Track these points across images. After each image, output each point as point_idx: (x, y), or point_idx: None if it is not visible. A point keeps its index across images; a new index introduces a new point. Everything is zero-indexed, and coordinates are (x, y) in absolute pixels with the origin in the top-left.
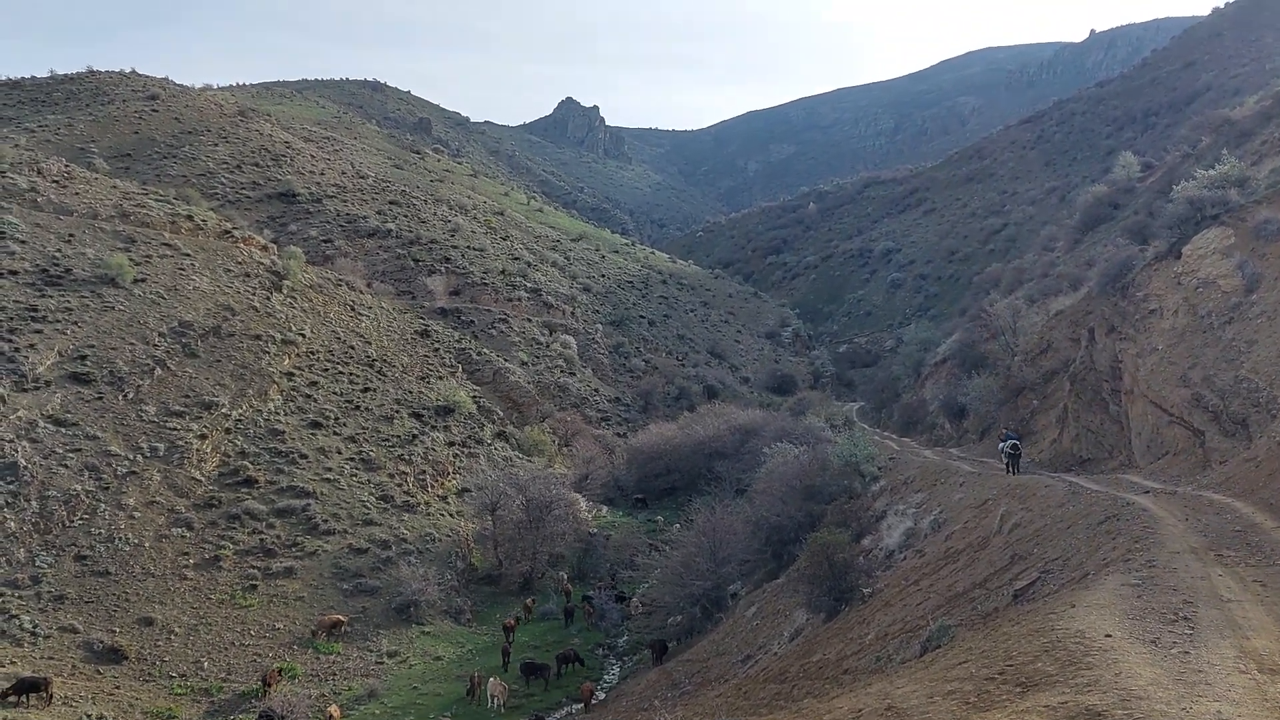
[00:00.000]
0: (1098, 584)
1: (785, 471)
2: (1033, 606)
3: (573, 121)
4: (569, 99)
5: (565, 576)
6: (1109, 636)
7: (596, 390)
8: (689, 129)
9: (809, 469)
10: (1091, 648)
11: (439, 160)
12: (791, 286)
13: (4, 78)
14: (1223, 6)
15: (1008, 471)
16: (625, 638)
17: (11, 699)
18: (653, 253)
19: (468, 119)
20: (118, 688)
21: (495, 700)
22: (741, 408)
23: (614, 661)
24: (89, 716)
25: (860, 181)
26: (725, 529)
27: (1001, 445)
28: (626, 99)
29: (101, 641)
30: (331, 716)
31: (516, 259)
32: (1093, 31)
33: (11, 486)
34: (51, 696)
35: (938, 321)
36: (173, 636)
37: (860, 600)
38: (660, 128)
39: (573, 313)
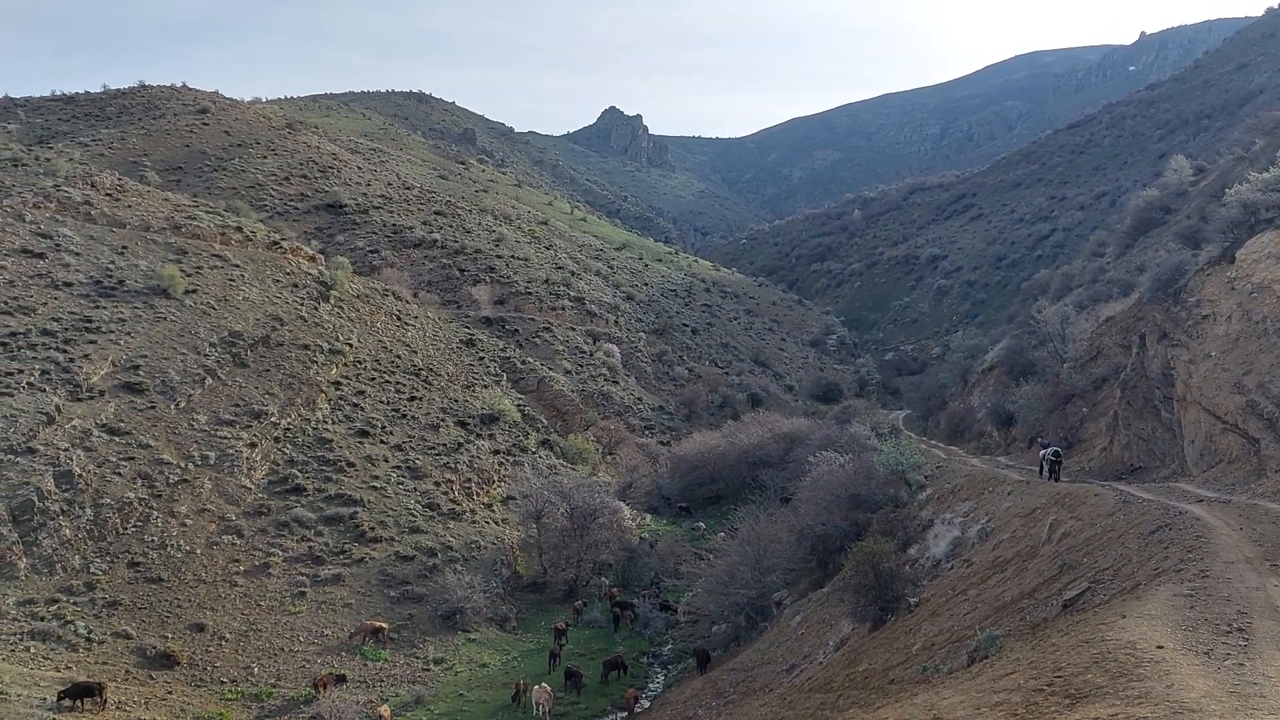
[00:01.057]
0: (1149, 594)
1: (830, 480)
2: (1082, 617)
3: (616, 130)
4: (612, 108)
5: (608, 583)
6: (1161, 648)
7: (640, 399)
8: (732, 136)
9: (854, 477)
10: (1143, 659)
11: (483, 170)
12: (836, 294)
13: (59, 93)
14: (1277, 6)
15: (1045, 478)
16: (670, 646)
17: (66, 703)
18: (696, 261)
19: (512, 129)
20: (170, 693)
21: (541, 707)
22: (786, 416)
23: (659, 669)
24: None
25: (905, 187)
26: (770, 537)
27: (1043, 452)
28: (669, 107)
29: (154, 647)
30: (382, 717)
31: (560, 268)
32: (1143, 34)
33: (67, 494)
34: (105, 701)
35: (985, 328)
36: (223, 642)
37: (906, 610)
38: (703, 135)
39: (616, 321)
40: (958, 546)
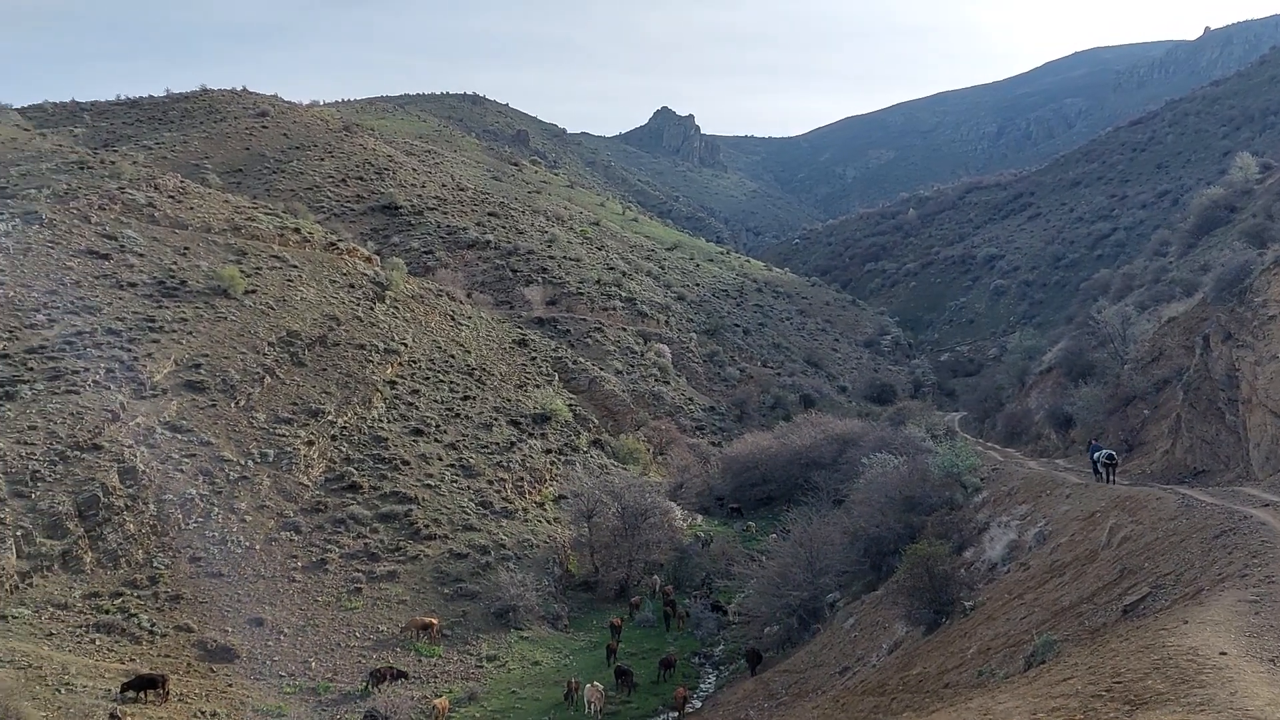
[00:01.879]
0: (1212, 600)
1: (884, 482)
2: (1143, 622)
3: (668, 131)
4: (664, 108)
5: (660, 581)
6: (1224, 654)
7: (691, 399)
8: (785, 136)
9: (909, 479)
10: (1205, 665)
11: (536, 172)
12: (891, 294)
13: (123, 97)
14: None
15: (1099, 480)
16: (721, 646)
17: (130, 694)
18: (748, 261)
19: (564, 130)
20: (230, 685)
21: (593, 706)
22: (839, 417)
23: (710, 670)
24: (203, 713)
25: (962, 186)
26: (822, 539)
27: (1095, 455)
28: (722, 107)
29: (215, 640)
30: (439, 709)
31: (612, 268)
32: (1207, 29)
33: (131, 490)
34: (168, 694)
35: (1043, 329)
36: (282, 637)
37: (961, 613)
38: (756, 135)
39: (667, 321)
40: (1014, 550)
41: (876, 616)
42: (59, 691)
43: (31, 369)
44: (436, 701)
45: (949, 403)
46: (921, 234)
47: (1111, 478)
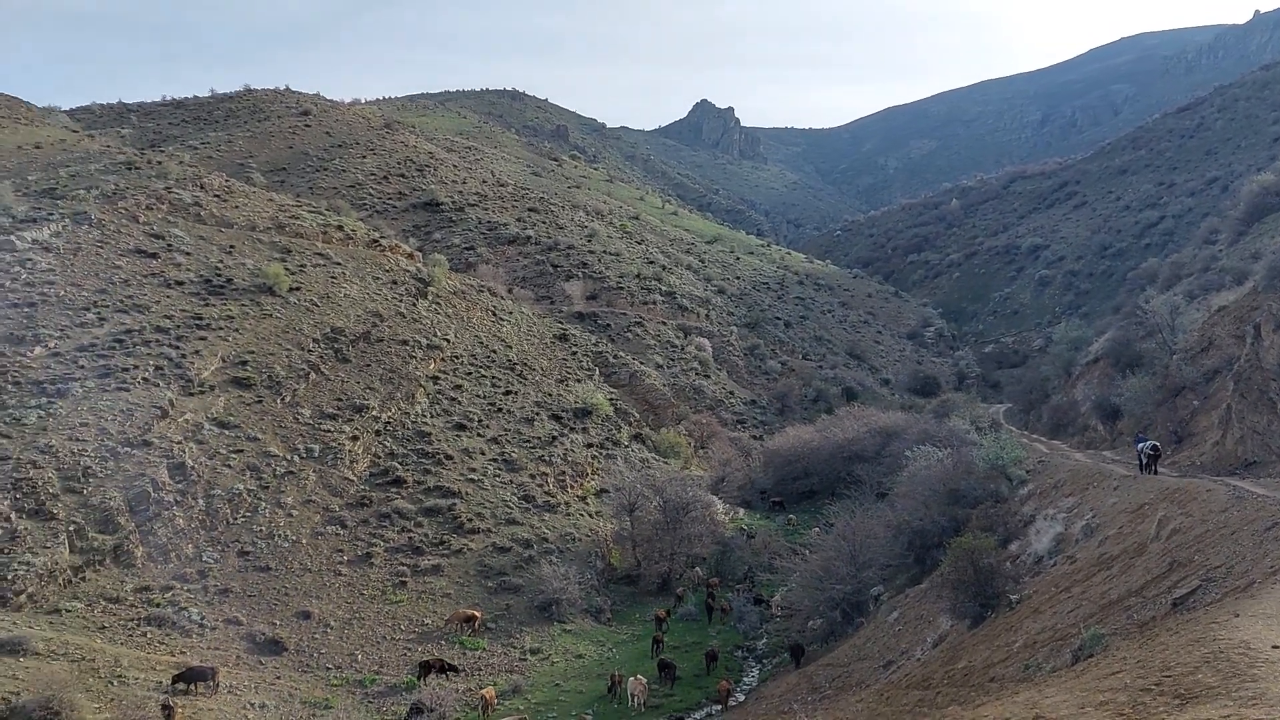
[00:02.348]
0: (1264, 593)
1: (928, 475)
2: (1193, 616)
3: (707, 124)
4: (704, 101)
5: (701, 573)
6: (1276, 648)
7: (732, 393)
8: (825, 127)
9: (953, 472)
10: (1257, 659)
11: (576, 166)
12: (934, 285)
13: (169, 98)
14: None
15: (1142, 473)
16: (764, 640)
17: (180, 687)
18: (789, 253)
19: (603, 125)
20: (278, 678)
21: (636, 699)
22: (882, 410)
23: (753, 664)
24: (252, 705)
25: (1005, 176)
26: (866, 533)
27: (1140, 446)
28: (761, 99)
29: (263, 633)
30: (486, 699)
31: (651, 263)
32: (1257, 12)
33: (180, 485)
34: (218, 685)
35: (1089, 320)
36: (329, 630)
37: (1007, 607)
38: (796, 127)
39: (707, 315)
40: (1061, 543)
41: (921, 610)
42: (111, 684)
43: (82, 366)
44: (484, 692)
45: (993, 395)
46: (965, 224)
47: (1155, 469)
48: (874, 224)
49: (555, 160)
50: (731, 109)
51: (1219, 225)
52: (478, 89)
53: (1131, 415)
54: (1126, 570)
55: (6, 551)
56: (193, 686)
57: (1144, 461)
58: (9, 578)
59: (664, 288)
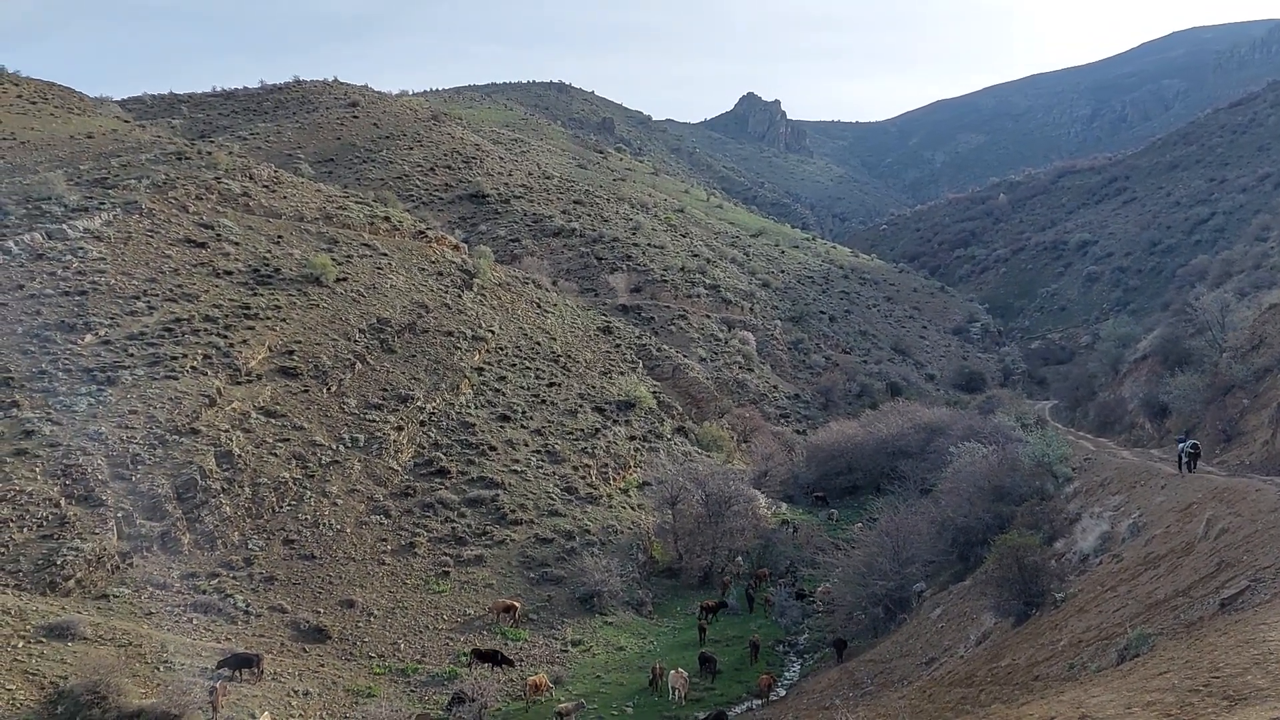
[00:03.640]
0: None
1: (973, 471)
2: (1241, 616)
3: (753, 117)
4: (750, 94)
5: (744, 564)
6: None
7: (775, 387)
8: (872, 120)
9: (998, 469)
10: None
11: (621, 159)
12: (980, 281)
13: (219, 89)
14: None
15: (1182, 473)
16: (805, 635)
17: (225, 672)
18: (834, 247)
19: (649, 117)
20: (322, 665)
21: (677, 692)
22: (927, 405)
23: (794, 658)
24: (296, 692)
25: (1054, 171)
26: (909, 529)
27: (1181, 445)
28: (808, 92)
29: (307, 621)
30: (537, 685)
31: (696, 256)
32: None
33: (227, 473)
34: (262, 672)
35: (1138, 316)
36: (372, 619)
37: (1052, 605)
38: (842, 120)
39: (751, 309)
40: (1107, 541)
41: (964, 607)
42: (157, 669)
43: (132, 355)
44: (534, 679)
45: (1039, 391)
46: (1012, 219)
47: (1194, 467)
48: (920, 218)
49: (600, 153)
50: (778, 102)
51: (1271, 222)
52: (524, 81)
53: (1180, 413)
54: (1174, 570)
55: (56, 537)
56: (238, 672)
57: (1184, 460)
58: (58, 563)
59: (708, 281)
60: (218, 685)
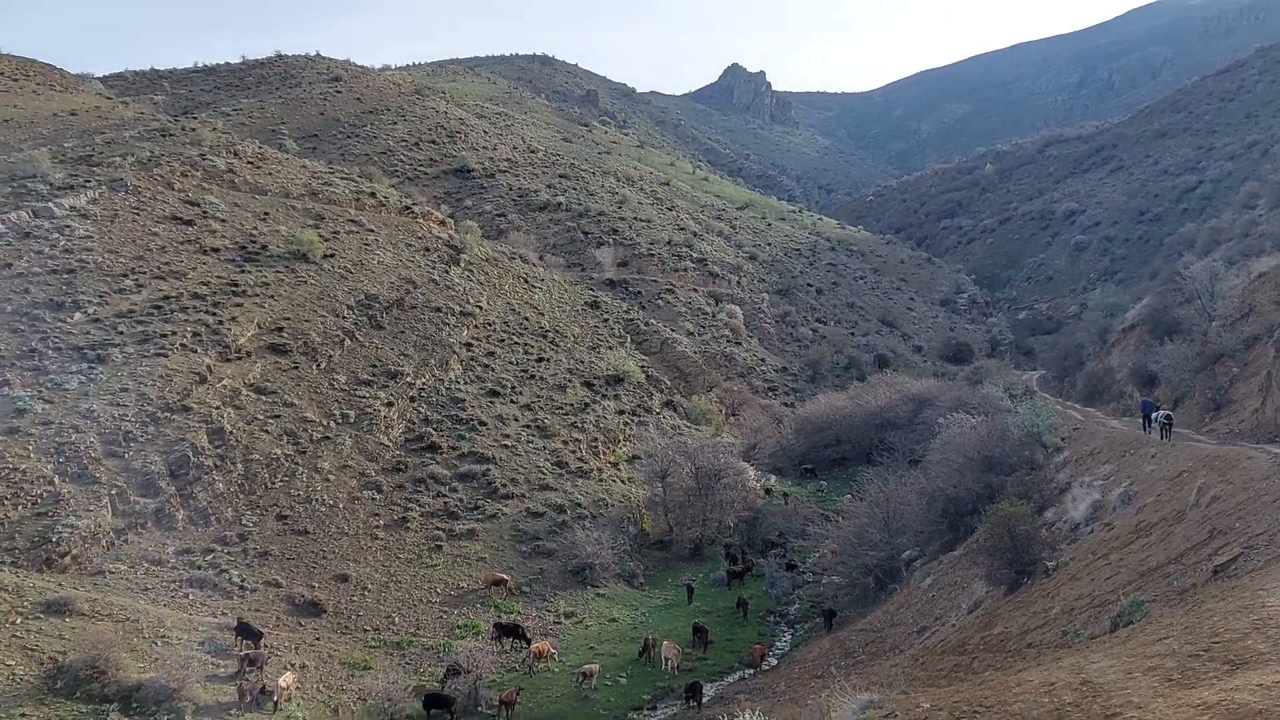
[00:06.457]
0: None
1: (962, 442)
2: (1236, 583)
3: (739, 88)
4: (735, 65)
5: (737, 543)
6: None
7: (763, 360)
8: (858, 91)
9: (987, 439)
10: None
11: (606, 132)
12: (967, 251)
13: (201, 64)
14: None
15: (1152, 435)
16: (796, 605)
17: (248, 649)
18: (820, 219)
19: (634, 90)
20: (318, 639)
21: (669, 663)
22: (914, 377)
23: (785, 629)
24: (293, 665)
25: (1041, 140)
26: (899, 499)
27: (1154, 415)
28: (793, 63)
29: (302, 596)
30: (540, 652)
31: (682, 229)
32: None
33: (219, 450)
34: (266, 660)
35: (1125, 286)
36: (366, 592)
37: (1043, 573)
38: (828, 90)
39: (738, 282)
40: (1098, 510)
41: (955, 576)
42: (155, 643)
43: (121, 333)
44: (537, 646)
45: (1027, 362)
46: (999, 189)
47: (1169, 435)
48: (907, 189)
49: (585, 126)
50: (763, 73)
51: (1259, 190)
52: (507, 54)
53: (1169, 382)
54: (1165, 538)
55: (51, 514)
56: (242, 642)
57: (1160, 429)
58: (54, 540)
59: (695, 254)
60: (252, 654)
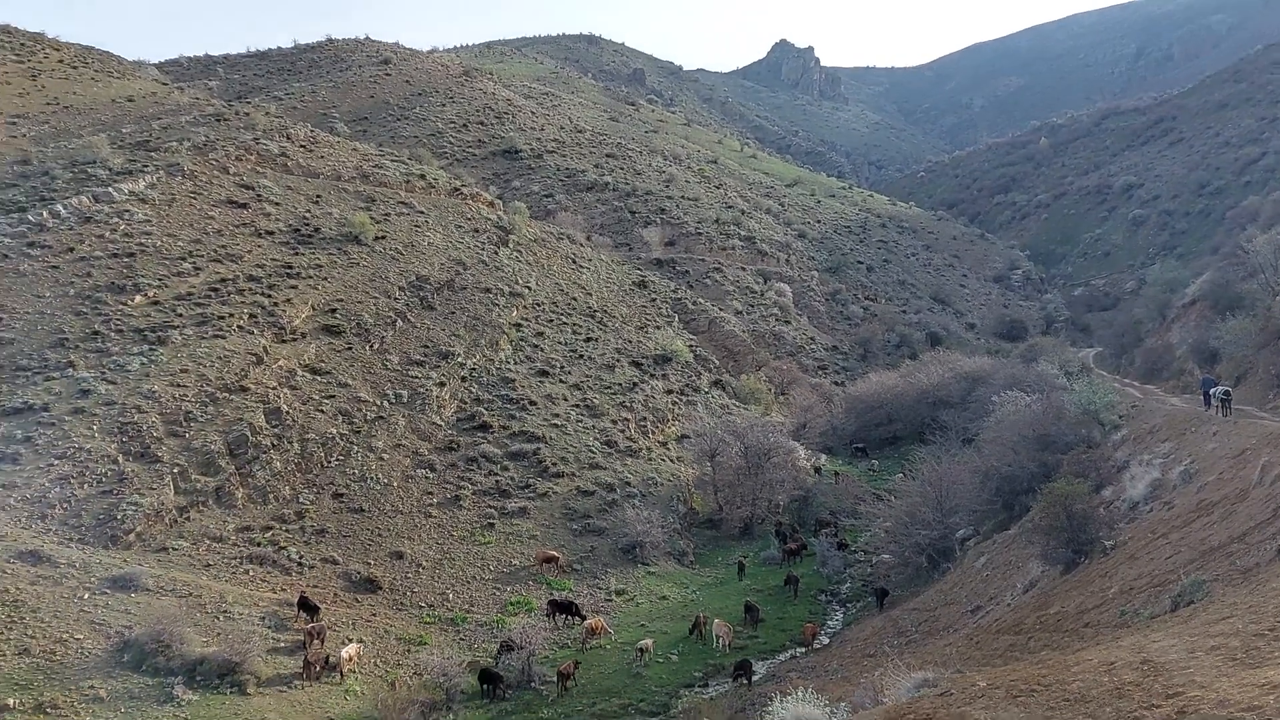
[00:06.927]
0: None
1: (1017, 420)
2: None
3: (786, 64)
4: (783, 41)
5: (787, 522)
6: None
7: (813, 338)
8: (908, 65)
9: (1043, 417)
10: None
11: (653, 111)
12: (1021, 227)
13: (253, 49)
14: None
15: (1214, 413)
16: (848, 585)
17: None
18: (871, 195)
19: (680, 68)
20: (374, 615)
21: (720, 640)
22: (967, 355)
23: (837, 608)
24: (350, 640)
25: (1098, 113)
26: (952, 478)
27: (1212, 391)
28: (842, 38)
29: (359, 572)
30: (593, 628)
31: (730, 207)
32: None
33: (276, 430)
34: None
35: (1185, 260)
36: (420, 570)
37: (1101, 553)
38: (878, 66)
39: (787, 260)
40: (1157, 489)
41: (1010, 556)
42: (217, 618)
43: (180, 315)
44: (591, 622)
45: (1083, 339)
46: (1054, 163)
47: (1228, 412)
48: (959, 165)
49: (632, 105)
50: (811, 49)
51: None
52: (554, 34)
53: (1230, 358)
54: (1228, 516)
55: (115, 493)
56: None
57: (1218, 405)
58: (118, 517)
59: (743, 232)
60: (316, 628)
